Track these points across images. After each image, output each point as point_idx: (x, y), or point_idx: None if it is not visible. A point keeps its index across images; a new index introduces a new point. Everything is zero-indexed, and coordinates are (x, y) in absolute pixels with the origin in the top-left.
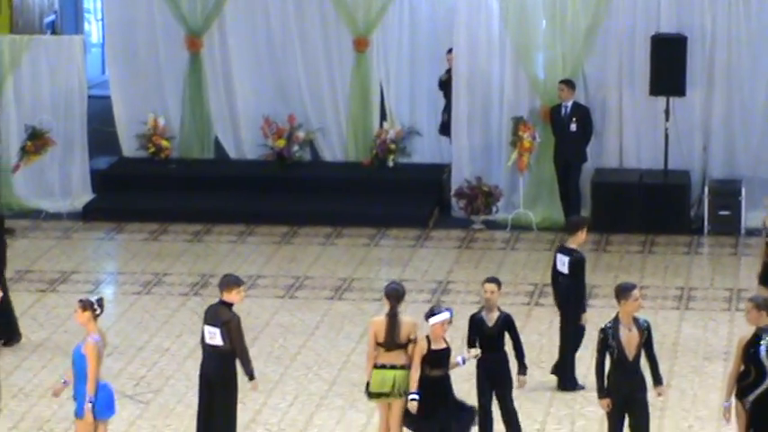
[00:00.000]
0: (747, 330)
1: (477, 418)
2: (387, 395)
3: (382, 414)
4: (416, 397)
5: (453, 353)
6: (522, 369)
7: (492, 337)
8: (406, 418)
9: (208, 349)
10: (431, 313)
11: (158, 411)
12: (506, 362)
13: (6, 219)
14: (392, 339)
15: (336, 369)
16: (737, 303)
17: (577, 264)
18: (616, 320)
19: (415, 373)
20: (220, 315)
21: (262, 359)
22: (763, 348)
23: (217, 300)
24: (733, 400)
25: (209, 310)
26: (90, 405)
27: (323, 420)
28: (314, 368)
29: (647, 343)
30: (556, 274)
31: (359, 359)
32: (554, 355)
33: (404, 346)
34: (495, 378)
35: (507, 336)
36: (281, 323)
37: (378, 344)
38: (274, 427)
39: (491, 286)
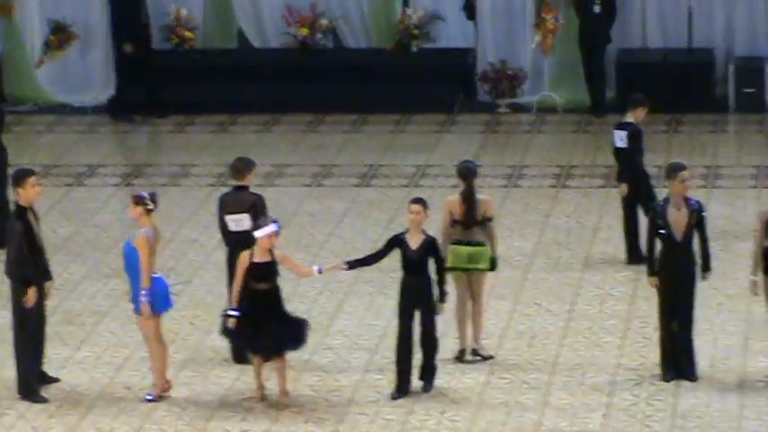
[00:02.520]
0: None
1: (308, 332)
2: (464, 269)
3: (459, 289)
4: (235, 314)
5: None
6: (442, 296)
7: (415, 261)
8: (235, 335)
9: (235, 237)
10: (257, 226)
11: (188, 302)
12: (429, 286)
13: (34, 114)
14: (471, 217)
15: (364, 256)
16: (765, 180)
17: (635, 135)
18: (666, 200)
19: (236, 287)
20: (245, 199)
21: (290, 248)
22: None
23: (231, 188)
24: (760, 275)
25: (227, 199)
26: (146, 299)
27: (352, 307)
28: (342, 255)
29: (698, 225)
30: (616, 151)
31: None
32: (581, 237)
33: (481, 223)
34: (417, 302)
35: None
36: (308, 211)
37: (455, 221)
38: (304, 315)
39: (416, 207)
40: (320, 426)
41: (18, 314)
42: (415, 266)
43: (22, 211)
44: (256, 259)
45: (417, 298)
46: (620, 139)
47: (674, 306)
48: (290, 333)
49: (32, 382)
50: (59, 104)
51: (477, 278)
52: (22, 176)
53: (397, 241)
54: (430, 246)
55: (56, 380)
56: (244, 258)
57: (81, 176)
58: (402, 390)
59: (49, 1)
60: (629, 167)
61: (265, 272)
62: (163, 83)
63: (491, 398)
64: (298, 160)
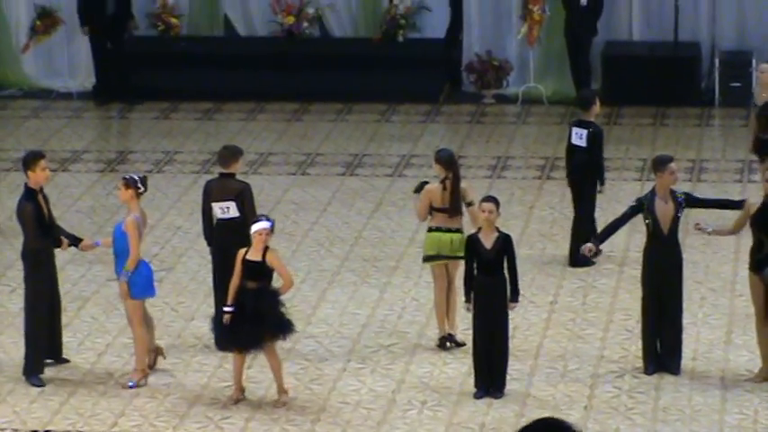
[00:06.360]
0: (758, 200)
1: (289, 331)
2: (445, 257)
3: (438, 277)
4: (230, 309)
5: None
6: (515, 296)
7: (491, 260)
8: (217, 329)
9: (221, 224)
10: (255, 220)
11: (171, 289)
12: (504, 288)
13: (17, 99)
14: (458, 204)
15: (348, 245)
16: (749, 175)
17: (596, 136)
18: (653, 192)
19: (234, 282)
20: (232, 187)
21: (274, 236)
22: None
23: (217, 174)
24: (745, 269)
25: (213, 186)
26: (125, 278)
27: (335, 296)
28: (326, 244)
29: (692, 200)
30: (571, 147)
31: (370, 235)
32: (565, 229)
33: (461, 210)
34: (490, 305)
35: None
36: (292, 200)
37: (437, 210)
38: (287, 303)
39: (489, 206)
40: (302, 414)
41: (30, 297)
42: (491, 265)
43: (32, 194)
44: (249, 257)
45: (495, 297)
46: (580, 137)
47: (659, 299)
48: (268, 327)
49: (38, 364)
50: (44, 90)
51: (455, 265)
52: (32, 159)
53: (470, 242)
54: (505, 243)
55: (66, 361)
56: (239, 254)
57: (65, 162)
58: (483, 387)
59: None
60: (583, 168)
61: (254, 270)
62: (135, 70)
63: (473, 388)
64: (282, 148)
